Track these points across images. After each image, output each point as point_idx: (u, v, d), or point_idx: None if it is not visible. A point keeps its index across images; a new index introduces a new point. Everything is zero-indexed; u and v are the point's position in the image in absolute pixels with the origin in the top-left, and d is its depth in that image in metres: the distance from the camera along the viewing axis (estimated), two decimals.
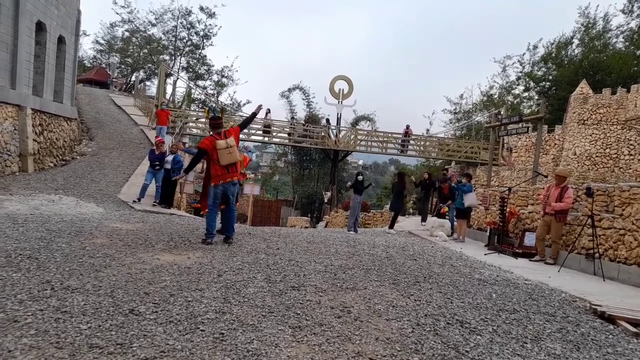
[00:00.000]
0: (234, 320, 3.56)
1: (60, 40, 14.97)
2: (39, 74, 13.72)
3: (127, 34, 36.94)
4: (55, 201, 9.41)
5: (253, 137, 24.73)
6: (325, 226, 22.22)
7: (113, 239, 6.32)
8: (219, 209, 7.00)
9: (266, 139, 24.75)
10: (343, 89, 26.22)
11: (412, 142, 25.12)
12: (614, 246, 6.77)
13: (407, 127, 24.95)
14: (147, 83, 38.28)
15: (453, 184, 11.95)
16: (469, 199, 10.20)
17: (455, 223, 11.25)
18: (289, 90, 36.45)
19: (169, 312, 3.60)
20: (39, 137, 13.67)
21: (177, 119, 21.85)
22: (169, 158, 11.16)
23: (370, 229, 14.29)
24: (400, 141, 24.49)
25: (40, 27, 13.48)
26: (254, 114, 7.82)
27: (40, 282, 4.05)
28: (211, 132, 7.01)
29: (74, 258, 5.00)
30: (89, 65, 38.58)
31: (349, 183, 11.89)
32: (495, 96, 36.55)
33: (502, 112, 22.85)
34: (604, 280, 6.43)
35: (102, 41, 37.95)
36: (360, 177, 11.41)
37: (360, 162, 68.41)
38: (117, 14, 35.97)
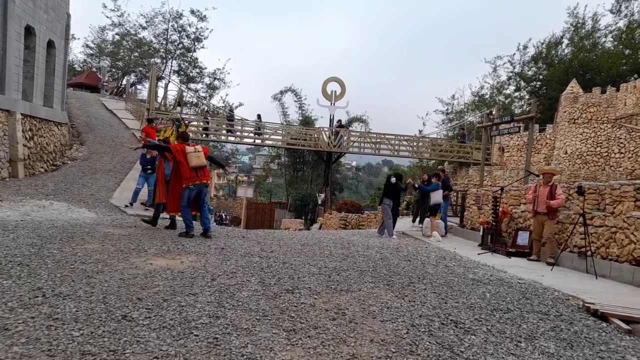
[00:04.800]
0: (228, 324, 3.54)
1: (50, 44, 14.85)
2: (28, 78, 13.59)
3: (117, 37, 36.76)
4: (46, 207, 9.32)
5: (246, 140, 24.74)
6: (320, 228, 22.20)
7: (105, 244, 6.27)
8: (191, 207, 7.85)
9: (258, 141, 24.76)
10: (335, 91, 26.26)
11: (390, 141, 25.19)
12: (605, 244, 6.82)
13: (339, 121, 25.23)
14: (139, 86, 38.16)
15: (415, 185, 12.23)
16: (434, 197, 10.85)
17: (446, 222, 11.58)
18: (281, 92, 36.51)
19: (163, 317, 3.58)
20: (29, 142, 13.55)
21: (169, 122, 21.76)
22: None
23: (365, 231, 14.29)
24: (333, 138, 24.03)
25: (29, 32, 13.36)
26: (223, 166, 12.29)
27: (31, 289, 4.00)
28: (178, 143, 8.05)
29: (65, 264, 4.95)
30: (80, 69, 38.30)
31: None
32: (487, 96, 36.78)
33: (493, 112, 23.00)
34: (596, 278, 6.47)
35: (92, 45, 37.73)
36: (393, 180, 11.56)
37: (354, 164, 68.49)
38: (107, 17, 35.77)
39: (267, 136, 24.20)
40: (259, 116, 24.85)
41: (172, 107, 25.28)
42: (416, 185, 12.21)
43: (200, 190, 7.77)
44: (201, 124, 23.49)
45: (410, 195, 17.62)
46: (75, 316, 3.45)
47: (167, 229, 8.27)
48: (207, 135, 24.00)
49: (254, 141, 24.88)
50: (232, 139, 25.14)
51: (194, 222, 8.02)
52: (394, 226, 11.78)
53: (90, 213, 9.53)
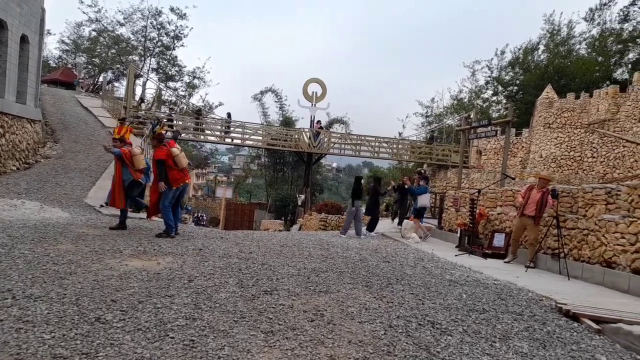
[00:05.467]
0: (205, 326, 3.50)
1: (23, 39, 14.44)
2: (0, 74, 13.20)
3: (94, 33, 35.99)
4: (17, 206, 9.05)
5: (226, 140, 24.52)
6: (300, 229, 22.16)
7: (79, 244, 6.13)
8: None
9: (238, 141, 24.58)
10: (316, 92, 26.30)
11: (385, 144, 25.36)
12: (578, 246, 7.00)
13: (319, 122, 25.59)
14: (116, 84, 37.42)
15: (406, 186, 12.34)
16: (422, 200, 10.78)
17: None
18: (261, 92, 36.29)
19: (137, 319, 3.51)
20: (1, 139, 13.14)
21: (147, 120, 21.46)
22: None
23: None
24: (313, 138, 24.12)
25: (1, 26, 12.98)
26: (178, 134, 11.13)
27: (1, 290, 3.88)
28: (153, 145, 8.17)
29: (37, 265, 4.82)
30: (54, 65, 37.38)
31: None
32: (465, 100, 37.33)
33: (471, 116, 23.38)
34: (569, 279, 6.63)
35: (68, 41, 36.89)
36: (363, 182, 11.64)
37: (334, 165, 68.62)
38: (84, 13, 34.95)
39: (247, 136, 24.05)
40: (228, 115, 24.66)
41: (137, 104, 24.66)
42: (406, 186, 12.23)
43: (184, 189, 8.06)
44: (180, 123, 23.21)
45: (390, 197, 17.76)
46: (47, 318, 3.36)
47: (112, 229, 7.81)
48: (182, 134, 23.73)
49: (232, 140, 24.66)
50: (212, 138, 24.91)
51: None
52: (374, 227, 11.89)
53: (63, 213, 9.30)
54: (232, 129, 23.87)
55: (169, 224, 7.61)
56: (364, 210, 11.84)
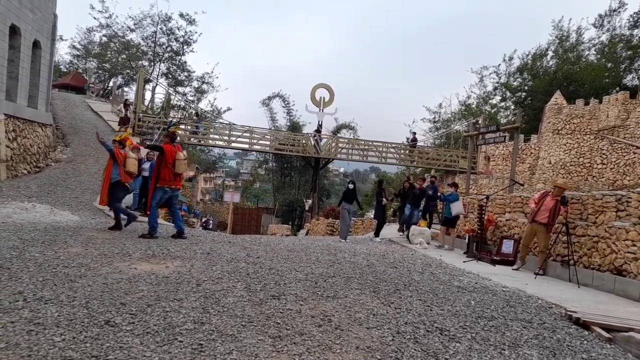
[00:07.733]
0: (213, 330, 3.51)
1: (36, 44, 14.66)
2: (12, 78, 13.39)
3: (104, 39, 36.46)
4: (28, 209, 9.16)
5: (234, 145, 24.63)
6: (307, 234, 22.17)
7: (88, 248, 6.18)
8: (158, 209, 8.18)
9: (246, 145, 24.67)
10: (324, 97, 26.39)
11: (394, 149, 25.31)
12: (588, 253, 6.93)
13: (319, 126, 25.68)
14: (125, 89, 37.78)
15: (440, 195, 12.18)
16: (456, 208, 10.45)
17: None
18: (269, 98, 36.55)
19: (146, 322, 3.53)
20: (13, 143, 13.32)
21: (156, 125, 21.63)
22: (146, 165, 10.97)
23: (351, 237, 14.30)
24: (314, 142, 24.44)
25: (14, 31, 13.18)
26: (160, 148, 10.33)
27: (12, 293, 3.93)
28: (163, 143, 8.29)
29: (47, 268, 4.87)
30: (65, 70, 37.85)
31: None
32: (473, 106, 37.21)
33: (479, 122, 23.31)
34: (579, 287, 6.56)
35: (78, 46, 37.36)
36: (351, 186, 11.57)
37: (342, 170, 68.58)
38: (95, 18, 35.38)
39: (254, 141, 24.15)
40: (196, 114, 24.62)
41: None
42: (441, 197, 12.02)
43: (174, 195, 8.09)
44: (189, 127, 23.36)
45: (397, 202, 17.70)
46: (57, 321, 3.39)
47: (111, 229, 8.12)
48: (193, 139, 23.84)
49: (222, 144, 24.52)
50: (221, 143, 25.03)
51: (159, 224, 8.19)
52: (379, 231, 11.87)
53: (73, 216, 9.39)
54: (200, 129, 23.84)
55: (153, 225, 7.72)
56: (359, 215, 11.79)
